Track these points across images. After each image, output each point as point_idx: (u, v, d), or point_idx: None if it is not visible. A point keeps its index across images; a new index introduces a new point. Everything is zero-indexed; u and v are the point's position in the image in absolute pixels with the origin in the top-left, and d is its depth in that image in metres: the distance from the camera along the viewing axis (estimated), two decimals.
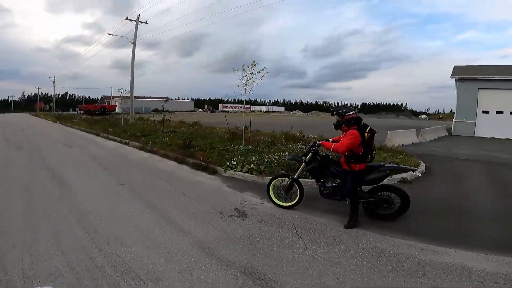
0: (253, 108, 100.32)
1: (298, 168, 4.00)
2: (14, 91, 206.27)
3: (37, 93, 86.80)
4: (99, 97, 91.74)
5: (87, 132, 14.60)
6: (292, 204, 3.90)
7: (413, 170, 6.00)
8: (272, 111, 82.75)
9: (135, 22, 20.60)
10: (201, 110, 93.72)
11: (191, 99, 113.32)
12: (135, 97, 21.46)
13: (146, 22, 22.03)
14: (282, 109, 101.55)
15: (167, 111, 17.13)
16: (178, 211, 3.82)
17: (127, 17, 20.87)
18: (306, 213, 3.74)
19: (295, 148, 8.11)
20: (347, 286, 2.27)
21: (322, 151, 4.35)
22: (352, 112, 3.46)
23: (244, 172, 5.68)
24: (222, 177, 5.79)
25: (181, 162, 6.97)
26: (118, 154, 8.06)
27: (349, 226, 3.33)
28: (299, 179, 3.93)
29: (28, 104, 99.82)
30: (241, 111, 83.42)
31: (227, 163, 6.16)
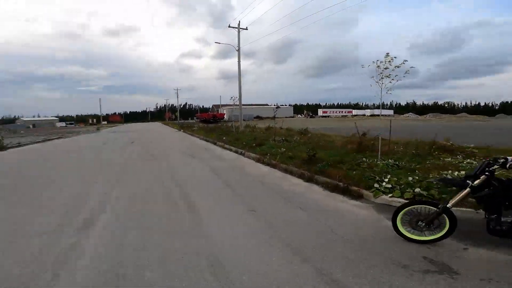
0: (354, 112, 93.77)
1: (455, 193, 3.00)
2: (149, 103, 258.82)
3: (166, 104, 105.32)
4: (210, 106, 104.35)
5: (205, 140, 15.69)
6: (437, 238, 2.97)
7: None
8: (378, 115, 74.64)
9: (236, 29, 21.46)
10: (300, 116, 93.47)
11: (289, 105, 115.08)
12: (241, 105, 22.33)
13: (246, 28, 22.67)
14: (391, 112, 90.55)
15: (272, 117, 16.84)
16: (338, 263, 2.67)
17: (229, 25, 21.94)
18: None
19: (463, 163, 5.97)
20: None
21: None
22: None
23: (407, 199, 4.13)
24: (373, 204, 4.38)
25: (308, 180, 5.93)
26: (238, 168, 7.72)
27: None
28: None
29: (159, 114, 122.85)
30: (342, 116, 78.90)
31: (376, 184, 4.72)
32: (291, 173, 6.64)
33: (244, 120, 34.81)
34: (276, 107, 18.07)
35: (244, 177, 6.57)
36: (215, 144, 13.67)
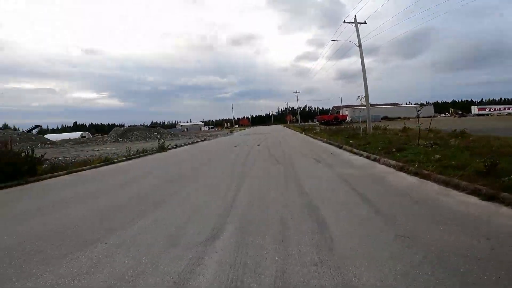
0: None
1: None
2: (272, 107, 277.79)
3: (286, 107, 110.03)
4: (330, 108, 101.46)
5: (329, 143, 14.79)
6: None
7: None
8: None
9: (353, 24, 19.14)
10: (444, 115, 77.21)
11: (426, 103, 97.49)
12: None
13: (364, 22, 19.95)
14: None
15: (403, 118, 14.00)
16: None
17: (344, 21, 19.86)
18: None
19: None
20: None
21: None
22: None
23: None
24: None
25: (488, 198, 4.20)
26: (373, 177, 6.53)
27: None
28: None
29: (281, 117, 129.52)
30: (508, 114, 58.38)
31: None
32: (455, 187, 4.95)
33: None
34: (420, 105, 15.03)
35: (384, 189, 5.38)
36: (340, 147, 12.59)
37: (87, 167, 11.44)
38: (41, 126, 67.06)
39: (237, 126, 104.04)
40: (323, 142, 15.93)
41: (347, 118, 57.60)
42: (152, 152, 16.45)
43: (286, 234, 3.44)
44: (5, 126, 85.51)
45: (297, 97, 66.05)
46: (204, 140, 27.51)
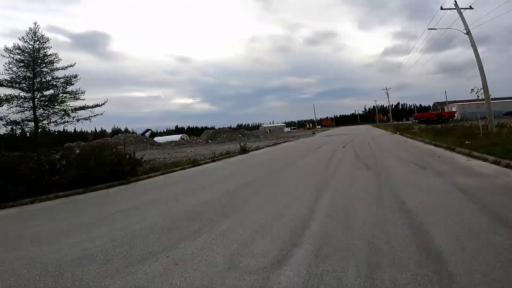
0: None
1: None
2: (357, 106, 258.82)
3: (374, 105, 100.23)
4: (429, 104, 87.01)
5: (434, 145, 12.12)
6: None
7: None
8: None
9: (455, 10, 14.99)
10: None
11: None
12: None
13: (471, 8, 15.38)
14: None
15: None
16: None
17: (441, 7, 15.73)
18: None
19: None
20: None
21: None
22: None
23: None
24: None
25: None
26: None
27: None
28: None
29: (369, 116, 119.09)
30: None
31: None
32: None
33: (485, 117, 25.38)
34: None
35: None
36: (452, 150, 10.03)
37: (178, 168, 12.47)
38: (151, 129, 79.88)
39: (319, 126, 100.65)
40: (426, 143, 13.19)
41: (455, 115, 48.06)
42: (234, 154, 16.96)
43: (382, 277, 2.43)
44: (126, 130, 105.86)
45: (387, 93, 58.93)
46: (285, 141, 27.16)
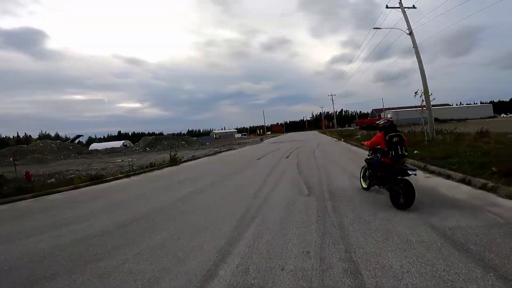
0: None
1: None
2: (306, 112, 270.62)
3: (321, 112, 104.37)
4: (369, 111, 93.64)
5: None
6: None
7: None
8: None
9: (399, 9, 14.52)
10: (504, 116, 66.50)
11: (481, 103, 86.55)
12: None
13: (413, 7, 15.11)
14: None
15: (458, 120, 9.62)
16: None
17: (386, 5, 15.18)
18: None
19: None
20: None
21: None
22: (382, 122, 4.86)
23: None
24: None
25: None
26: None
27: None
28: None
29: (316, 122, 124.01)
30: None
31: None
32: None
33: (416, 124, 26.62)
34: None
35: None
36: None
37: (66, 187, 9.18)
38: (82, 135, 70.40)
39: (269, 132, 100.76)
40: None
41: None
42: (161, 166, 13.93)
43: None
44: (56, 136, 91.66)
45: (333, 100, 60.52)
46: (229, 149, 24.75)
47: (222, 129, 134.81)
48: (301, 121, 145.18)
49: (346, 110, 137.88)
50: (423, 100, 12.77)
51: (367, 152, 5.88)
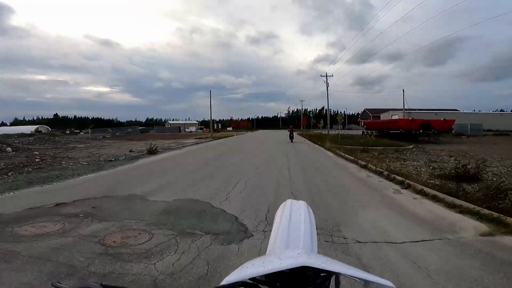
0: None
1: None
2: (283, 109, 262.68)
3: (300, 108, 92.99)
4: (359, 112, 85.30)
5: None
6: None
7: None
8: None
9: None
10: None
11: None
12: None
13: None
14: None
15: None
16: None
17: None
18: None
19: None
20: None
21: None
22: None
23: None
24: None
25: None
26: None
27: None
28: None
29: (291, 120, 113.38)
30: None
31: None
32: None
33: None
34: None
35: None
36: None
37: None
38: None
39: (230, 128, 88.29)
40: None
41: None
42: None
43: None
44: None
45: (327, 89, 37.28)
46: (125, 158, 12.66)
47: (186, 120, 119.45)
48: (274, 117, 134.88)
49: (335, 110, 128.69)
50: None
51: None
